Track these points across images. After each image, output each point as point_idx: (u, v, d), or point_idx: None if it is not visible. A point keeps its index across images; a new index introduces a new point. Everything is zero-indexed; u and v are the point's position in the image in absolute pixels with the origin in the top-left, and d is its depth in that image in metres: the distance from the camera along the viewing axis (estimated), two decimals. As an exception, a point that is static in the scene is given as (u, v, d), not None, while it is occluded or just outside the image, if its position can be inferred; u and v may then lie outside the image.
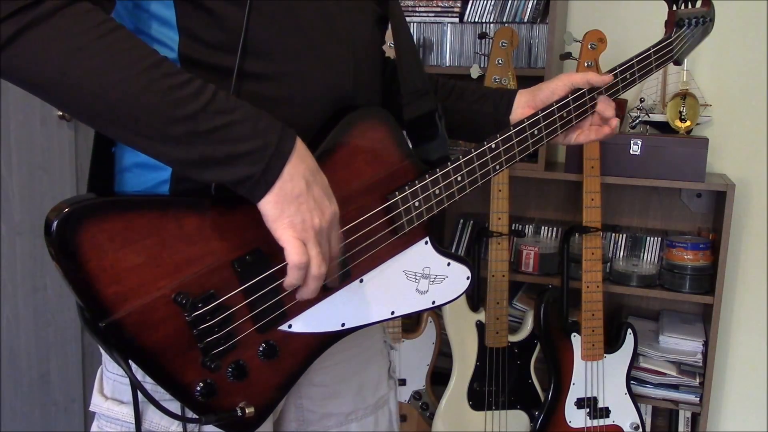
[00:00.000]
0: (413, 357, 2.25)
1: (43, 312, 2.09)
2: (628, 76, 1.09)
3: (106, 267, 0.73)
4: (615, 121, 1.08)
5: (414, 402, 2.27)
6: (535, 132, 1.02)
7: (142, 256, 0.75)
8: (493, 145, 0.98)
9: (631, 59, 1.09)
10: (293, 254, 0.76)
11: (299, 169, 0.77)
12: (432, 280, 0.97)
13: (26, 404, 2.07)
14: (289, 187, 0.76)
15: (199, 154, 0.73)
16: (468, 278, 0.99)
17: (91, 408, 0.92)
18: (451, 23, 2.33)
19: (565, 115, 1.05)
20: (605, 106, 1.07)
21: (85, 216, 0.72)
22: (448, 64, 2.36)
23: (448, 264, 0.98)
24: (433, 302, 0.98)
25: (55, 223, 0.71)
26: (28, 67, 0.68)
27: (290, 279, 0.77)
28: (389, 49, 1.02)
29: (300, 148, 0.78)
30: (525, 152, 1.02)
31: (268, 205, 0.76)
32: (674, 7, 1.16)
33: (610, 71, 1.08)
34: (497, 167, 0.99)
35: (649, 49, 1.11)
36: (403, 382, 2.25)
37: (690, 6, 1.17)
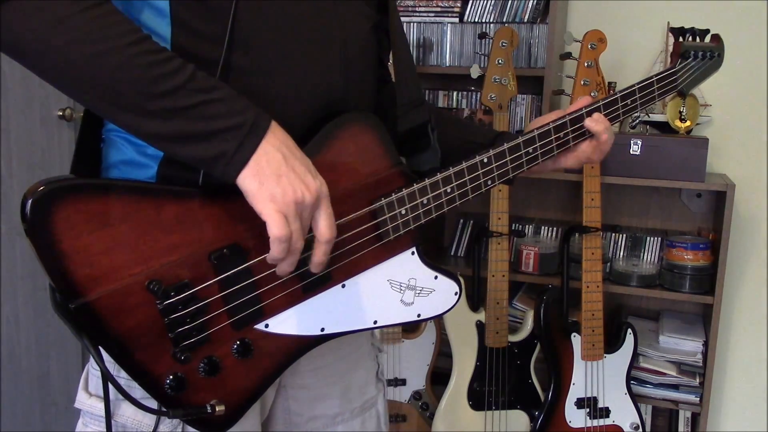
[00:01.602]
0: (413, 357, 2.24)
1: (43, 312, 2.09)
2: (629, 103, 1.07)
3: (80, 248, 0.73)
4: (605, 137, 1.05)
5: (414, 402, 2.26)
6: (530, 151, 1.01)
7: (118, 240, 0.75)
8: (485, 160, 0.97)
9: (633, 86, 1.08)
10: (274, 227, 0.75)
11: (274, 144, 0.77)
12: (418, 292, 0.95)
13: (26, 404, 2.07)
14: (265, 161, 0.76)
15: (176, 129, 0.74)
16: (456, 294, 0.97)
17: (76, 405, 0.91)
18: (451, 23, 2.33)
19: (562, 136, 1.03)
20: (594, 122, 1.04)
21: (62, 195, 0.72)
22: (448, 64, 2.36)
23: (435, 277, 0.96)
24: (419, 315, 0.95)
25: (30, 201, 0.71)
26: (10, 34, 0.69)
27: (273, 253, 0.76)
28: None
29: (275, 128, 0.78)
30: (518, 170, 1.01)
31: (246, 180, 0.76)
32: (680, 39, 1.15)
33: (612, 96, 1.06)
34: (489, 182, 0.98)
35: (652, 77, 1.10)
36: (403, 382, 2.25)
37: (698, 40, 1.16)
